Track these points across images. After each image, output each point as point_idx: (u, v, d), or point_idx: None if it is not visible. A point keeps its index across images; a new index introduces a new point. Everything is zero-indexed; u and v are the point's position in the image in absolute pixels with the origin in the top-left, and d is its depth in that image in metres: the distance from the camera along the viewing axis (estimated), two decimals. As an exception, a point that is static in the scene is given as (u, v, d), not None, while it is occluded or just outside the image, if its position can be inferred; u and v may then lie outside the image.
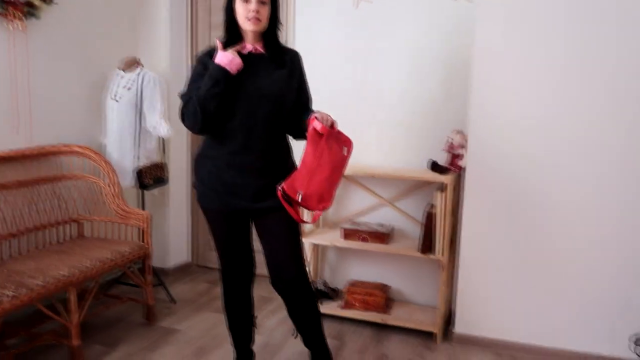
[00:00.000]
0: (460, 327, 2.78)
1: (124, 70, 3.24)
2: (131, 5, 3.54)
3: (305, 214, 2.59)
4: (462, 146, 2.85)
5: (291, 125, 2.13)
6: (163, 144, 3.46)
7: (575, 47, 2.43)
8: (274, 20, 2.07)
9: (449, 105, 2.95)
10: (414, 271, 3.10)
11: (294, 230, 2.12)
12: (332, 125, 1.97)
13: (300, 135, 2.13)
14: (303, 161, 1.98)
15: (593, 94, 2.42)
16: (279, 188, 1.96)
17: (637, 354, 2.45)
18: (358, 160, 2.94)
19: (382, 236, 2.91)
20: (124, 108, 3.14)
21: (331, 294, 3.13)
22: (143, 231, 2.89)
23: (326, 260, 3.33)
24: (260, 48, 2.07)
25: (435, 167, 2.88)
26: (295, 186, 1.96)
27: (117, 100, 3.16)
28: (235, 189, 2.06)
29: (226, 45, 2.02)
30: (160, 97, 3.17)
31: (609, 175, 2.44)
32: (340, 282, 3.26)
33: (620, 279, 2.47)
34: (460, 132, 2.87)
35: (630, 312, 2.47)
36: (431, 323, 2.85)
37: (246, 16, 1.97)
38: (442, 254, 2.72)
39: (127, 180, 3.17)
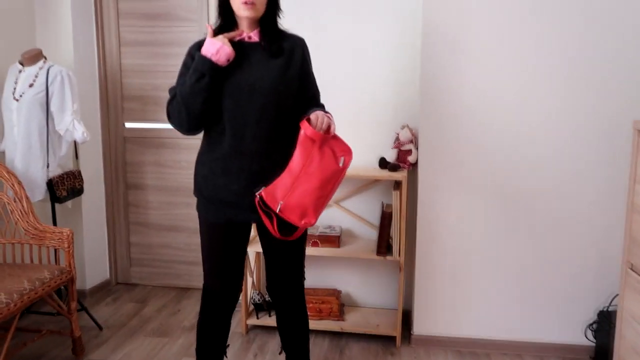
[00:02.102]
0: (419, 328, 2.70)
1: (23, 65, 2.76)
2: (26, -12, 3.04)
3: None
4: (411, 141, 2.77)
5: (295, 123, 1.85)
6: (76, 148, 3.02)
7: (527, 30, 2.41)
8: (273, 5, 1.81)
9: (396, 100, 2.84)
10: (367, 274, 2.97)
11: (298, 245, 1.92)
12: (327, 130, 1.73)
13: None
14: (289, 167, 1.73)
15: (546, 78, 2.43)
16: (257, 194, 1.72)
17: (593, 340, 2.51)
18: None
19: (333, 239, 2.74)
20: (28, 108, 2.67)
21: (280, 304, 2.91)
22: (65, 252, 2.47)
23: (269, 267, 3.11)
24: (255, 36, 1.80)
25: (384, 164, 2.76)
26: (276, 195, 1.72)
27: (17, 99, 2.69)
28: (232, 197, 1.80)
29: (220, 33, 1.75)
30: (71, 94, 2.74)
31: (565, 162, 2.46)
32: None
33: (575, 269, 2.52)
34: (407, 127, 2.78)
35: (583, 301, 2.53)
36: (390, 326, 2.74)
37: (240, 0, 1.71)
38: (400, 255, 2.62)
39: (37, 193, 2.71)
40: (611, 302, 2.47)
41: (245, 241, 1.96)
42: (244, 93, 1.75)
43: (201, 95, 1.70)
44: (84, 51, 3.21)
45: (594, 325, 2.51)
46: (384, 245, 2.63)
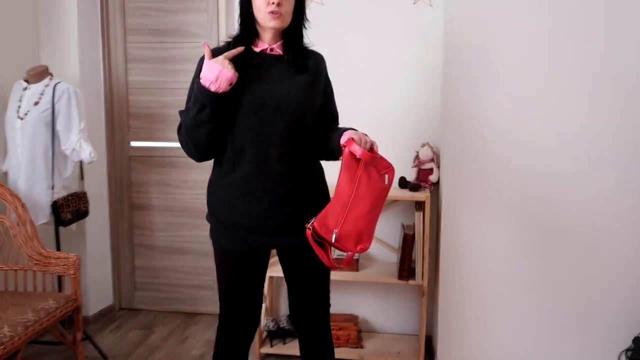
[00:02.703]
0: (443, 355, 2.56)
1: (28, 82, 2.65)
2: (30, 5, 2.94)
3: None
4: (432, 160, 2.67)
5: (316, 145, 1.76)
6: (81, 168, 2.90)
7: (554, 44, 2.32)
8: (299, 16, 1.70)
9: (416, 117, 2.75)
10: (385, 298, 2.85)
11: (322, 269, 1.80)
12: (371, 149, 1.63)
13: (326, 156, 1.80)
14: (337, 193, 1.61)
15: (572, 93, 2.33)
16: (308, 227, 1.59)
17: (628, 368, 2.40)
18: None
19: (352, 263, 2.63)
20: (33, 127, 2.56)
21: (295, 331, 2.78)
22: (70, 278, 2.34)
23: (283, 292, 2.97)
24: (277, 48, 1.70)
25: (404, 183, 2.66)
26: (329, 224, 1.58)
27: (21, 118, 2.57)
28: (253, 223, 1.68)
29: (238, 44, 1.64)
30: (78, 112, 2.63)
31: (595, 179, 2.36)
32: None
33: (607, 292, 2.40)
34: (427, 145, 2.68)
35: (616, 326, 2.41)
36: (412, 354, 2.61)
37: (266, 9, 1.60)
38: (423, 279, 2.50)
39: (41, 216, 2.58)
40: (646, 327, 2.35)
41: (265, 268, 1.84)
42: (269, 110, 1.64)
43: (205, 127, 1.59)
44: (90, 68, 3.10)
45: (629, 353, 2.39)
46: (406, 269, 2.51)
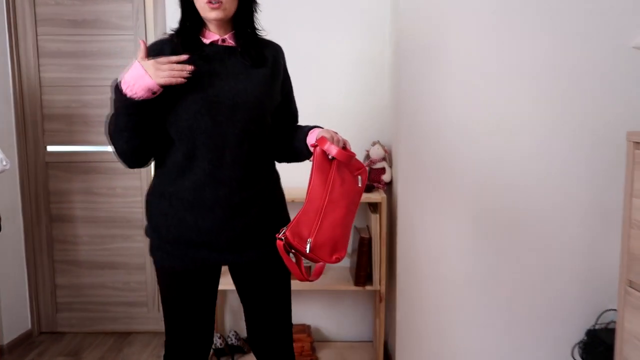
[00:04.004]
0: (401, 361, 2.48)
1: None
2: None
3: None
4: (383, 159, 2.57)
5: (275, 147, 1.60)
6: (-11, 179, 2.53)
7: (514, 36, 2.29)
8: (248, 2, 1.52)
9: (364, 115, 2.63)
10: (338, 306, 2.72)
11: (284, 285, 1.62)
12: (344, 147, 1.46)
13: (290, 158, 1.63)
14: (309, 198, 1.42)
15: (532, 89, 2.30)
16: (279, 237, 1.39)
17: (582, 360, 2.43)
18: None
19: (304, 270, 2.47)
20: None
21: (244, 346, 2.58)
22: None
23: (228, 305, 2.76)
24: (230, 39, 1.51)
25: (356, 184, 2.53)
26: (302, 233, 1.39)
27: None
28: (204, 236, 1.48)
29: (186, 36, 1.46)
30: (-16, 115, 2.28)
31: (552, 177, 2.35)
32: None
33: (560, 289, 2.42)
34: (378, 143, 2.58)
35: (570, 321, 2.43)
36: (369, 363, 2.51)
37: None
38: (381, 284, 2.39)
39: (-58, 236, 2.21)
40: (597, 319, 2.39)
41: (216, 287, 1.64)
42: (224, 108, 1.45)
43: (123, 134, 1.40)
44: (-5, 63, 2.72)
45: (582, 344, 2.42)
46: (363, 275, 2.40)
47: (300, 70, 2.59)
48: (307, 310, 2.72)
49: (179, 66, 1.35)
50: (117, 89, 1.35)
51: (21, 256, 2.93)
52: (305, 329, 2.62)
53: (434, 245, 2.39)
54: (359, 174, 1.50)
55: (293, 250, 1.41)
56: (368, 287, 2.40)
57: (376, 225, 2.35)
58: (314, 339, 2.69)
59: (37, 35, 2.84)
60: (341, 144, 1.45)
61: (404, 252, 2.39)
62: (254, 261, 1.56)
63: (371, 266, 2.40)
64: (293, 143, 1.57)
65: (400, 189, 2.37)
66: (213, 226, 1.48)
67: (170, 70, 1.33)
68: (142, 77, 1.32)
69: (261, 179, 1.55)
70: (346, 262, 2.63)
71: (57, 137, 2.91)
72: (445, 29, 2.27)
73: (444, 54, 2.28)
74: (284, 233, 1.39)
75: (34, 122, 2.89)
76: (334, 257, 1.44)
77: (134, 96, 1.33)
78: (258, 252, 1.53)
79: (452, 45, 2.28)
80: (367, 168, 2.56)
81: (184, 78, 1.36)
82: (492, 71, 2.29)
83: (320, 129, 1.50)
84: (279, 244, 1.38)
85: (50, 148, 2.92)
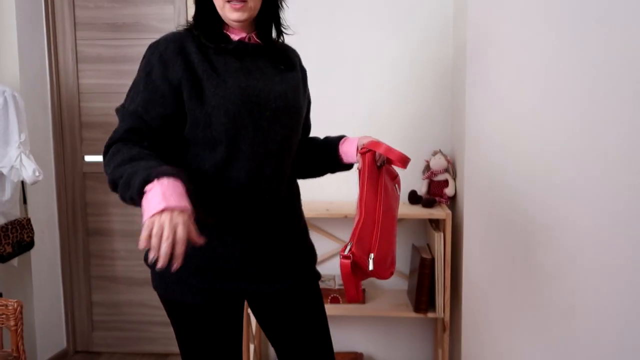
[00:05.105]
0: (467, 398, 2.20)
1: (-48, 85, 2.15)
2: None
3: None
4: (446, 170, 2.31)
5: (302, 160, 1.44)
6: (23, 190, 2.39)
7: (589, 35, 2.00)
8: (273, 1, 1.32)
9: (423, 122, 2.38)
10: (393, 333, 2.46)
11: (322, 312, 1.43)
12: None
13: (311, 172, 1.48)
14: (366, 209, 1.24)
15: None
16: (347, 254, 1.17)
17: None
18: (313, 197, 2.25)
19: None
20: (-41, 141, 2.06)
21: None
22: (10, 331, 1.84)
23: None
24: (255, 37, 1.31)
25: (415, 198, 2.29)
26: (365, 248, 1.21)
27: (-56, 130, 2.07)
28: (232, 264, 1.27)
29: (206, 28, 1.25)
30: (18, 121, 2.15)
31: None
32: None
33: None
34: (440, 153, 2.32)
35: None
36: (430, 399, 2.24)
37: None
38: (445, 311, 2.12)
39: (-29, 252, 2.07)
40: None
41: (242, 320, 1.41)
42: (266, 111, 1.24)
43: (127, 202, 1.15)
44: (32, 69, 2.59)
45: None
46: (424, 300, 2.13)
47: (349, 74, 2.38)
48: (359, 336, 2.47)
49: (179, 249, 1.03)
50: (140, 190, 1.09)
51: (57, 272, 2.79)
52: (357, 357, 2.37)
53: (504, 270, 2.10)
54: (396, 182, 1.39)
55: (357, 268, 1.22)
56: (430, 314, 2.14)
57: (440, 244, 2.09)
58: (366, 369, 2.44)
59: (76, 39, 2.72)
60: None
61: (471, 276, 2.12)
62: (292, 288, 1.35)
63: (433, 290, 2.14)
64: (321, 155, 1.43)
65: (466, 204, 2.10)
66: (244, 252, 1.27)
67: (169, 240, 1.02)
68: (158, 201, 1.05)
69: (293, 196, 1.37)
70: (401, 285, 2.38)
71: (95, 147, 2.78)
72: (519, 25, 2.01)
73: (517, 52, 2.02)
74: (350, 250, 1.17)
75: (72, 131, 2.76)
76: (389, 272, 1.30)
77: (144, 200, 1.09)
78: (296, 280, 1.35)
79: (526, 43, 2.01)
80: (427, 180, 2.31)
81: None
82: (569, 70, 2.00)
83: (358, 137, 1.38)
84: (345, 263, 1.17)
85: (87, 158, 2.78)
